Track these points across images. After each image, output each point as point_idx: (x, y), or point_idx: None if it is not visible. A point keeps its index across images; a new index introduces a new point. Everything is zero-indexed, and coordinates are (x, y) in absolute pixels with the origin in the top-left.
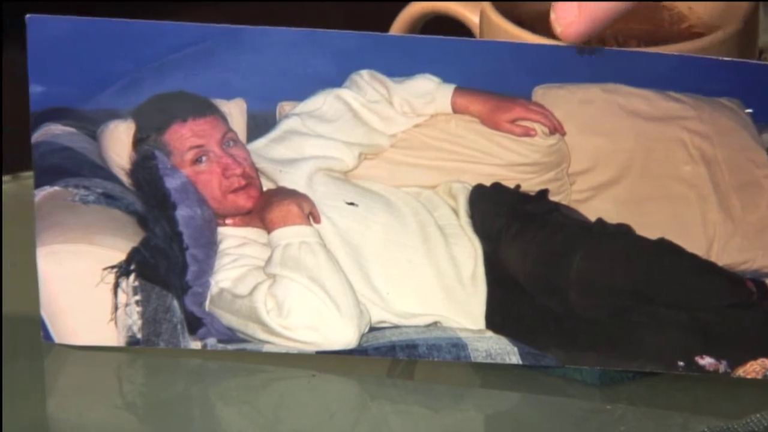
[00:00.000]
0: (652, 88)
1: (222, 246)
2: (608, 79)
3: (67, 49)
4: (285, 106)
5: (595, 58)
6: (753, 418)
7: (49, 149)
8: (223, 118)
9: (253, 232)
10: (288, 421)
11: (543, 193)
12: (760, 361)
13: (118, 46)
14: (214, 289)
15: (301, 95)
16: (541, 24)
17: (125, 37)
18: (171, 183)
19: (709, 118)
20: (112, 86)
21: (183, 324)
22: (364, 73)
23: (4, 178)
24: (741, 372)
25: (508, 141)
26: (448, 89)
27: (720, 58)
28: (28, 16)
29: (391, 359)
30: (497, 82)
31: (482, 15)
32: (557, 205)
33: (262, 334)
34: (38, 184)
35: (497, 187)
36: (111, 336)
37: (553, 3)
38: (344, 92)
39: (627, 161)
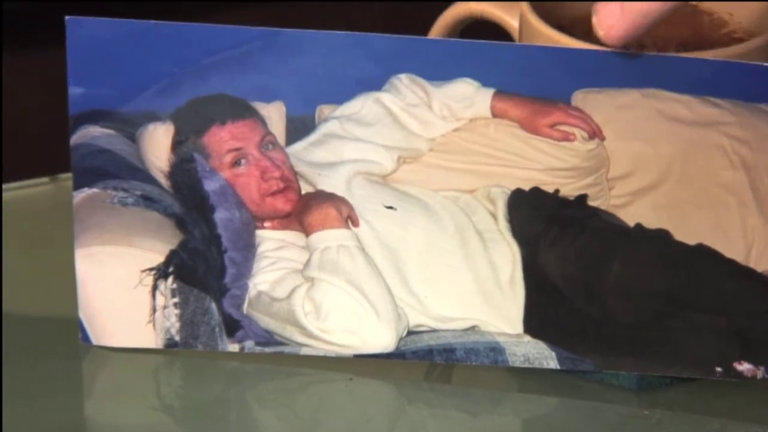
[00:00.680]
0: (692, 93)
1: (260, 249)
2: (648, 84)
3: (106, 50)
4: (324, 110)
5: (635, 63)
6: None
7: (88, 151)
8: (262, 121)
9: (291, 235)
10: (325, 425)
11: (582, 198)
12: None
13: (157, 48)
14: (252, 292)
15: (340, 98)
16: (580, 27)
17: (164, 39)
18: (209, 185)
19: (748, 124)
20: (150, 88)
21: (221, 326)
22: (404, 77)
23: (42, 179)
24: None
25: (547, 145)
26: (487, 93)
27: (760, 63)
28: (67, 17)
29: (428, 363)
30: (536, 86)
31: (522, 18)
32: (596, 210)
33: (299, 337)
34: (77, 186)
35: (536, 191)
36: (149, 338)
37: (595, 4)
38: (384, 96)
39: (666, 166)
